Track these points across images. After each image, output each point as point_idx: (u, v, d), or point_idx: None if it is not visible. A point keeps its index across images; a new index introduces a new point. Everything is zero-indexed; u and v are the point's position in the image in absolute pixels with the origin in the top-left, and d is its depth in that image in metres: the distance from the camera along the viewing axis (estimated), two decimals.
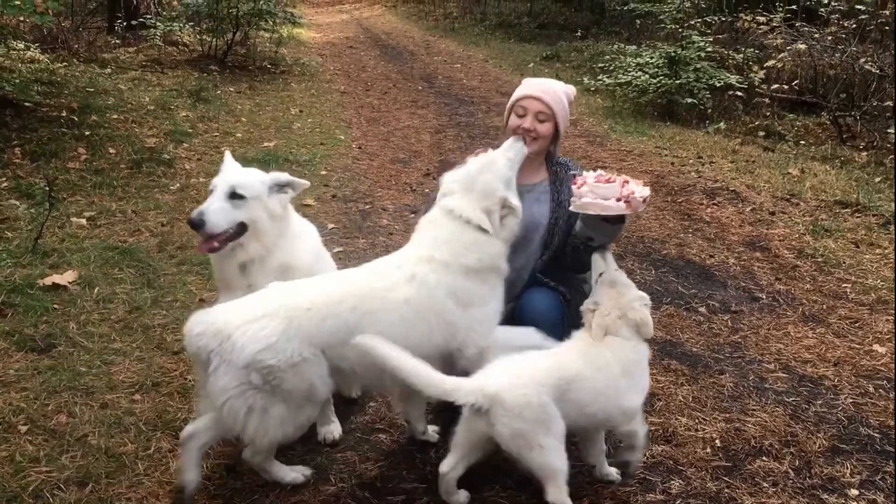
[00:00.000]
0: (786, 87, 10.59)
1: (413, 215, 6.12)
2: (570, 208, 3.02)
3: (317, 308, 2.63)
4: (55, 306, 4.16)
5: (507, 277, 3.07)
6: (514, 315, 3.29)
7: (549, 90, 3.31)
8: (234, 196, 3.01)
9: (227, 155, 3.39)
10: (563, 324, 3.22)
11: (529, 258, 3.37)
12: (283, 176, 3.13)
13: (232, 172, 3.17)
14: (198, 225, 2.94)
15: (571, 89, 3.42)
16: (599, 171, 3.07)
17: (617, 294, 2.88)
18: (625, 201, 2.88)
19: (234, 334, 2.53)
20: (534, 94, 3.28)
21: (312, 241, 3.31)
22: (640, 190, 2.92)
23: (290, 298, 2.65)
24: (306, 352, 2.59)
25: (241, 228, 3.02)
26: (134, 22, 12.66)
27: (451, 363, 2.84)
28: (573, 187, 3.01)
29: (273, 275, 2.97)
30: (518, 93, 3.35)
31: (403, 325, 2.70)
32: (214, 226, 2.95)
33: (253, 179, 3.09)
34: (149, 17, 12.57)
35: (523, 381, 2.57)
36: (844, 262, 5.36)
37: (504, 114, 3.44)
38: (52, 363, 3.62)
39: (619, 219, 3.09)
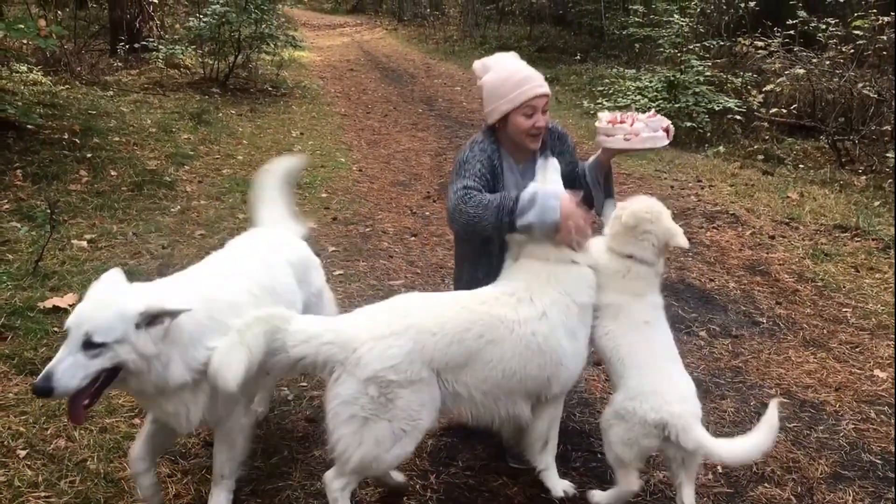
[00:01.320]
0: (784, 111, 10.65)
1: (414, 238, 6.14)
2: (616, 146, 3.12)
3: (443, 333, 2.66)
4: (55, 329, 4.15)
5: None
6: None
7: (541, 78, 3.20)
8: (89, 346, 2.32)
9: (112, 274, 2.63)
10: None
11: None
12: (155, 304, 2.42)
13: (87, 310, 2.38)
14: (44, 392, 2.32)
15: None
16: (615, 114, 3.22)
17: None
18: (665, 131, 3.10)
19: (361, 350, 2.57)
20: (541, 92, 3.13)
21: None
22: (667, 121, 3.16)
23: (418, 319, 2.67)
24: (425, 373, 2.63)
25: (112, 372, 2.41)
26: (136, 45, 12.73)
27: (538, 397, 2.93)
28: (607, 126, 3.11)
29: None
30: (521, 94, 3.11)
31: (523, 357, 2.76)
32: (65, 388, 2.30)
33: (113, 318, 2.36)
34: (151, 40, 12.65)
35: None
36: (844, 287, 5.36)
37: (492, 106, 3.19)
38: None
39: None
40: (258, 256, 3.06)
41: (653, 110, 3.17)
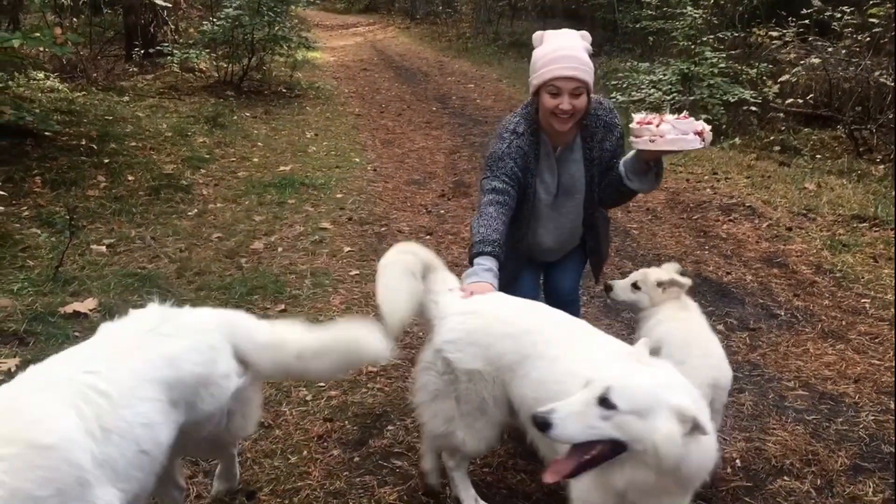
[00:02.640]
0: (800, 101, 10.56)
1: (429, 237, 6.15)
2: (644, 147, 3.04)
3: (505, 323, 2.67)
4: (76, 334, 4.20)
5: (558, 236, 3.50)
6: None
7: (578, 61, 3.09)
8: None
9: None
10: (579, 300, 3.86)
11: (576, 219, 3.51)
12: None
13: None
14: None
15: (587, 38, 3.22)
16: (646, 114, 3.13)
17: None
18: (698, 134, 2.95)
19: (446, 318, 2.75)
20: (567, 74, 3.06)
21: None
22: (706, 126, 3.02)
23: (494, 307, 2.76)
24: (479, 363, 2.64)
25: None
26: (151, 50, 12.83)
27: None
28: (637, 126, 3.03)
29: None
30: (547, 72, 3.10)
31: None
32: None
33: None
34: (166, 44, 12.74)
35: None
36: (863, 278, 5.32)
37: (530, 79, 3.21)
38: None
39: (658, 166, 3.20)
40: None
41: (685, 112, 3.10)
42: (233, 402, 2.47)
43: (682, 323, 3.19)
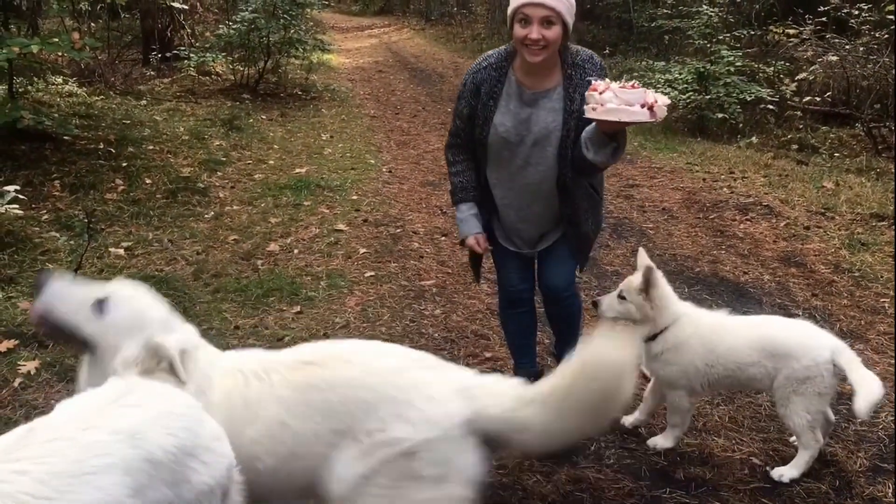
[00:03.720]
0: (818, 99, 10.49)
1: (444, 238, 6.16)
2: (587, 115, 2.80)
3: None
4: None
5: (526, 192, 3.31)
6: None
7: None
8: None
9: None
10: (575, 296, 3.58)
11: (547, 173, 3.25)
12: None
13: None
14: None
15: None
16: (602, 81, 2.85)
17: None
18: (648, 108, 2.70)
19: None
20: (539, 1, 2.95)
21: None
22: (661, 98, 2.76)
23: None
24: None
25: None
26: (168, 54, 12.93)
27: None
28: (588, 93, 2.79)
29: None
30: (515, 1, 3.02)
31: None
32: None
33: None
34: (182, 48, 12.82)
35: None
36: (882, 277, 5.27)
37: (507, 21, 3.12)
38: None
39: (618, 139, 2.93)
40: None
41: (634, 82, 2.80)
42: (233, 484, 2.00)
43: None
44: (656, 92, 2.83)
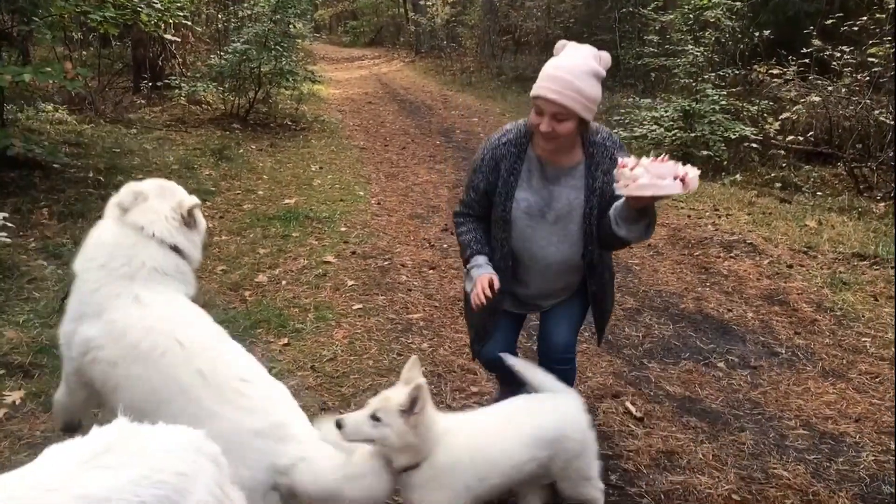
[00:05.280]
0: (801, 138, 10.65)
1: (432, 271, 6.20)
2: (618, 192, 2.82)
3: None
4: None
5: (549, 270, 3.30)
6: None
7: (565, 86, 2.95)
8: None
9: None
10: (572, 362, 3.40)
11: (571, 249, 3.27)
12: None
13: None
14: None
15: (603, 60, 3.07)
16: (626, 158, 2.85)
17: None
18: (680, 180, 2.70)
19: None
20: (547, 96, 2.96)
21: None
22: (692, 171, 2.75)
23: None
24: None
25: None
26: (159, 83, 13.00)
27: None
28: (618, 170, 2.80)
29: None
30: (536, 88, 3.03)
31: None
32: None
33: None
34: (173, 77, 12.90)
35: None
36: (864, 316, 5.34)
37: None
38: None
39: (649, 215, 2.96)
40: None
41: (663, 156, 2.83)
42: None
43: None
44: (678, 162, 2.81)
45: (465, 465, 2.61)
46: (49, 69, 6.76)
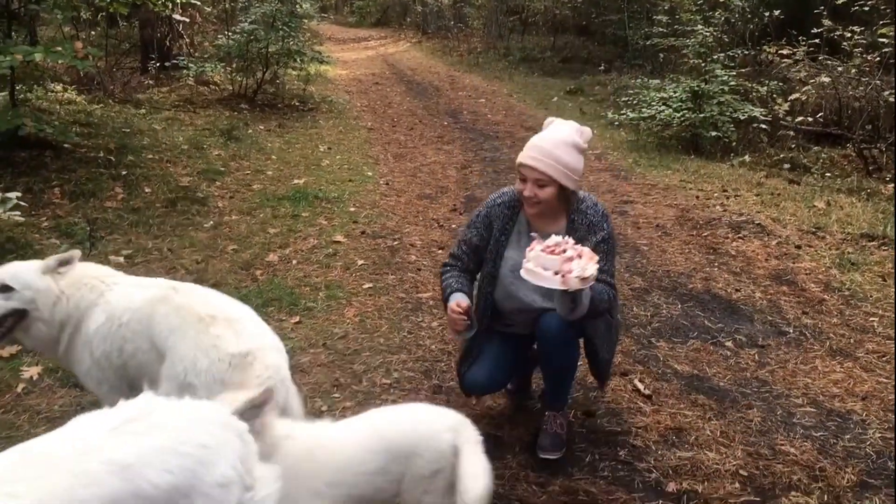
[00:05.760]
0: (810, 119, 10.62)
1: (441, 251, 6.23)
2: (520, 272, 3.00)
3: None
4: None
5: (537, 312, 3.35)
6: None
7: (546, 154, 3.22)
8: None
9: None
10: (577, 344, 3.43)
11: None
12: None
13: None
14: None
15: (584, 134, 3.33)
16: (559, 239, 2.98)
17: None
18: (561, 276, 2.84)
19: None
20: (528, 163, 3.24)
21: None
22: (584, 269, 2.84)
23: None
24: None
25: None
26: (167, 63, 13.00)
27: None
28: (526, 250, 3.00)
29: None
30: (520, 156, 3.31)
31: None
32: None
33: None
34: (181, 58, 12.89)
35: None
36: (871, 296, 5.36)
37: None
38: (95, 398, 3.73)
39: (577, 297, 3.01)
40: None
41: (567, 240, 2.95)
42: None
43: None
44: (589, 260, 2.89)
45: (306, 471, 2.44)
46: (60, 49, 6.78)
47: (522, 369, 3.85)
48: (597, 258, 2.93)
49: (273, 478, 2.05)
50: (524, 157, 3.27)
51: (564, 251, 2.89)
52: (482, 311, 3.50)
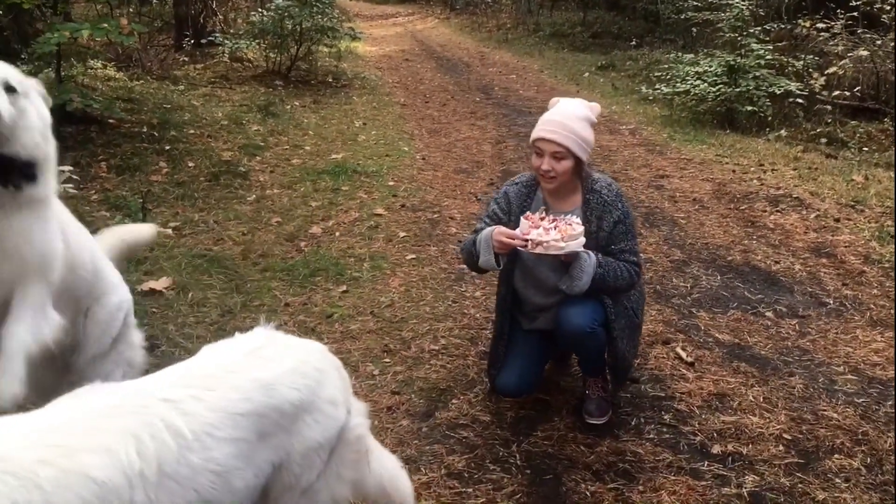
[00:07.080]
0: (847, 93, 10.51)
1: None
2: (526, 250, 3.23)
3: None
4: (154, 310, 4.46)
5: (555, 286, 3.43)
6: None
7: (562, 126, 3.33)
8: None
9: None
10: (605, 331, 3.40)
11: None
12: None
13: None
14: None
15: (594, 108, 3.45)
16: (542, 215, 3.30)
17: None
18: (531, 243, 3.17)
19: None
20: (545, 136, 3.33)
21: None
22: (553, 245, 3.13)
23: None
24: None
25: None
26: (202, 40, 13.14)
27: None
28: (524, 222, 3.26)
29: None
30: (534, 133, 3.41)
31: None
32: None
33: None
34: (216, 35, 13.02)
35: None
36: None
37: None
38: (156, 361, 3.88)
39: (571, 267, 3.28)
40: None
41: (550, 220, 3.27)
42: (340, 445, 2.19)
43: None
44: (559, 232, 3.17)
45: None
46: (105, 25, 6.92)
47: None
48: (573, 231, 3.16)
49: (364, 410, 2.37)
50: (540, 131, 3.37)
51: (536, 224, 3.22)
52: (503, 295, 3.63)
